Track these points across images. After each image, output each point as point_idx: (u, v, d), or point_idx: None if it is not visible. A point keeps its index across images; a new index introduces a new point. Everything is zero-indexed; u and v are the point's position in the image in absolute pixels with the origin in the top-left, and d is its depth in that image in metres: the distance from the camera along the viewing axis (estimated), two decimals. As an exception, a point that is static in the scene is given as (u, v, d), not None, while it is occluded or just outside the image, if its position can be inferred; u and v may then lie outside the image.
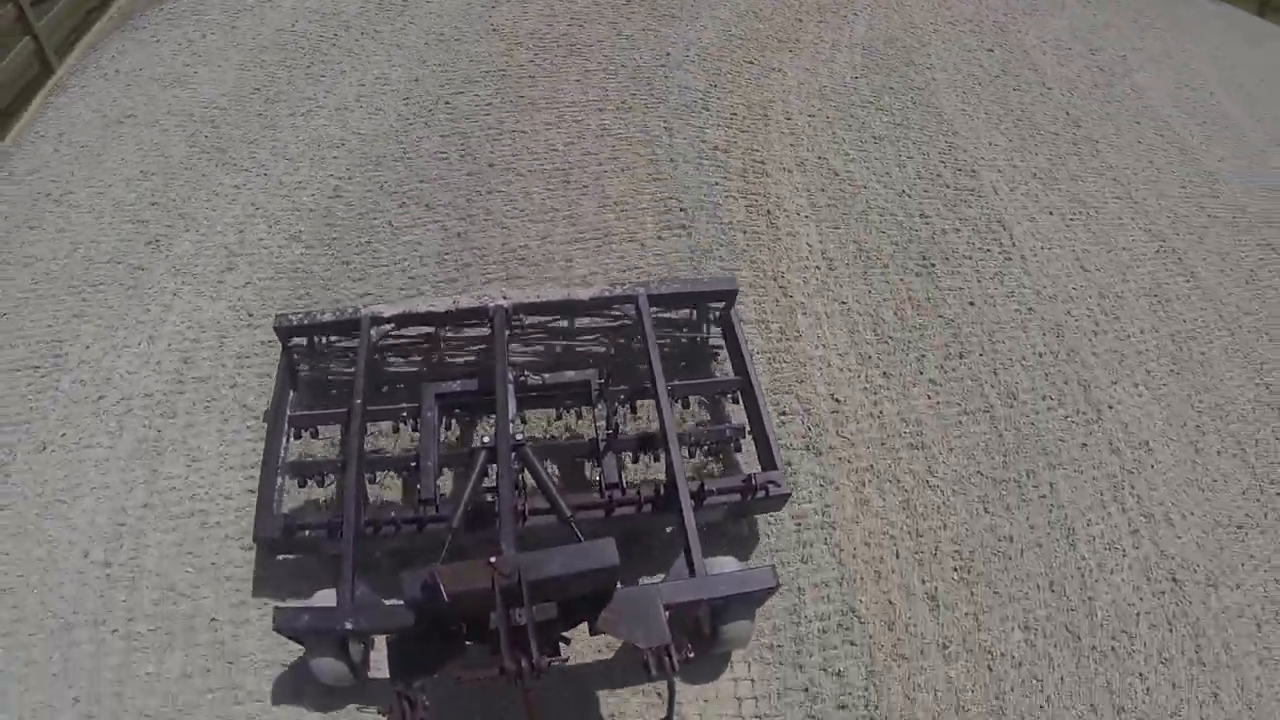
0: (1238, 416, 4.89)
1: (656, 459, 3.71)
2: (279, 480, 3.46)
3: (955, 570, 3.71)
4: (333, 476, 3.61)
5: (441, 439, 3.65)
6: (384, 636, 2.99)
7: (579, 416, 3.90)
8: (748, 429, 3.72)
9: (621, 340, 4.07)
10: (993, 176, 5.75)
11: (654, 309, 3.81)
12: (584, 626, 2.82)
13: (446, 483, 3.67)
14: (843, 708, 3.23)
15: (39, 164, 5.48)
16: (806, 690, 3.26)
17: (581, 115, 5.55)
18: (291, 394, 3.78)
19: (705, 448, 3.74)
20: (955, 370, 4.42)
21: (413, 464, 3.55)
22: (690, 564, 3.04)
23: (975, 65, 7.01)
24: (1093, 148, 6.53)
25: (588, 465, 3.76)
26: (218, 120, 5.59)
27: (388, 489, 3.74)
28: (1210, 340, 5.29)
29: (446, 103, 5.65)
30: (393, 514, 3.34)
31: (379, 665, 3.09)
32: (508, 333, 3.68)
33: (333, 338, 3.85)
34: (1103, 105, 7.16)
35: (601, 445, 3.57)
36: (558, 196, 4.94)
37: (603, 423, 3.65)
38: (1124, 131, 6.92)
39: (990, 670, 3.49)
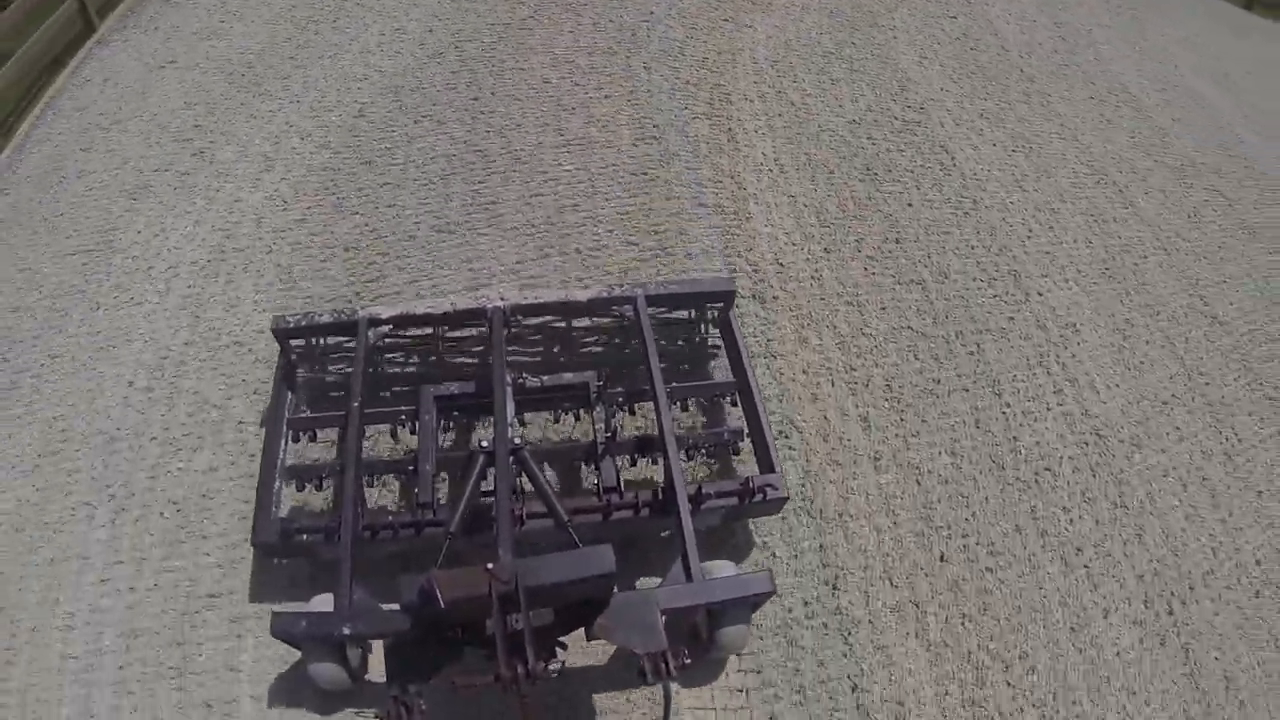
0: (1168, 317, 5.38)
1: (654, 462, 3.69)
2: (277, 484, 3.45)
3: (886, 400, 4.23)
4: (330, 480, 3.60)
5: (440, 442, 3.66)
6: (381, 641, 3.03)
7: (577, 419, 3.88)
8: (745, 431, 3.70)
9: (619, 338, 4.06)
10: (940, 114, 6.38)
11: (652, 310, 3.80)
12: (580, 631, 2.84)
13: (444, 486, 3.72)
14: (785, 517, 3.74)
15: (87, 102, 6.25)
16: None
17: (572, 58, 6.28)
18: (289, 396, 3.76)
19: (703, 450, 3.74)
20: (891, 252, 5.00)
21: (410, 467, 3.53)
22: (687, 568, 3.02)
23: (937, 29, 7.69)
24: (1043, 99, 7.13)
25: (585, 468, 3.75)
26: (253, 63, 6.37)
27: (388, 490, 3.81)
28: (1145, 256, 5.80)
29: (457, 48, 6.41)
30: (390, 518, 3.33)
31: (375, 668, 3.14)
32: (505, 334, 3.69)
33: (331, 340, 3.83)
34: (1060, 68, 7.73)
35: (600, 448, 3.54)
36: (549, 115, 5.64)
37: (601, 425, 3.64)
38: (1077, 89, 7.49)
39: (919, 484, 4.00)
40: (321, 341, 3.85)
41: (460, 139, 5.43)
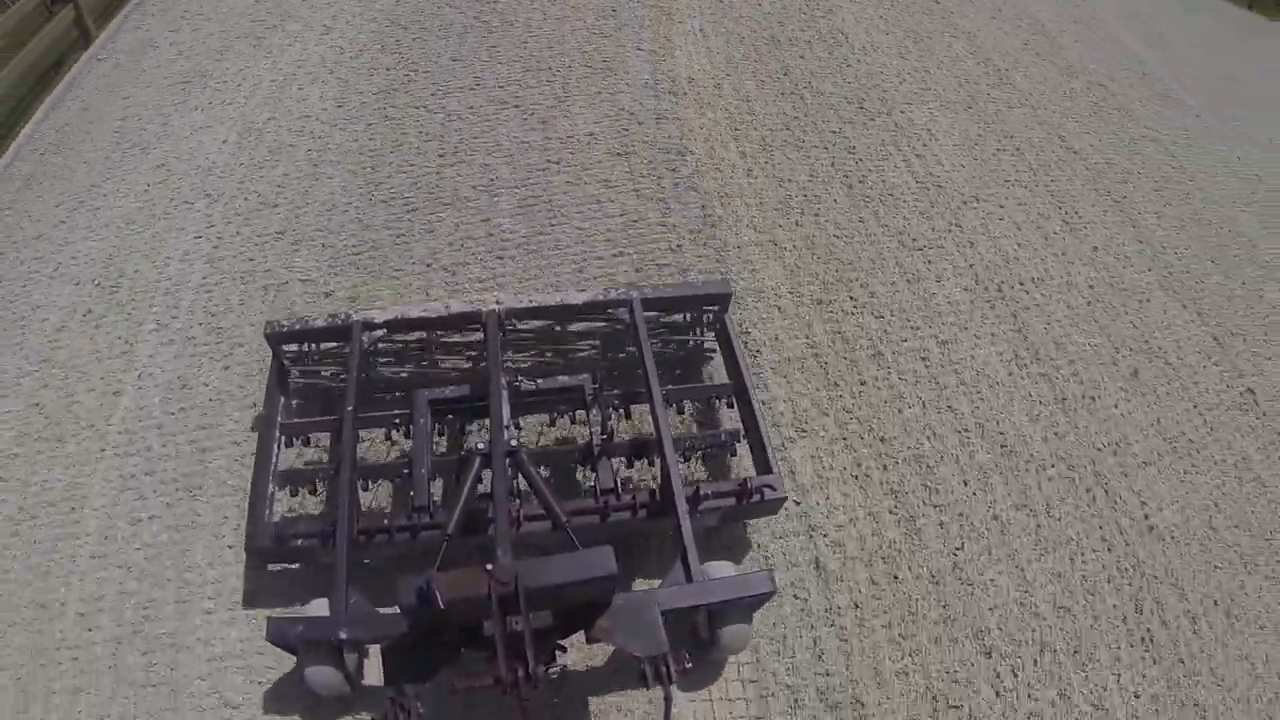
0: (1025, 141, 6.70)
1: (651, 464, 3.71)
2: (270, 488, 3.47)
3: (760, 148, 5.87)
4: (325, 484, 3.63)
5: (435, 445, 3.66)
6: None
7: (573, 421, 3.89)
8: (742, 433, 3.73)
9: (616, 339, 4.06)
10: (844, 14, 8.00)
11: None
12: (579, 634, 2.85)
13: (440, 489, 3.74)
14: (677, 183, 5.35)
15: (168, 4, 8.06)
16: (650, 168, 5.43)
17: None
18: (283, 401, 3.79)
19: (700, 452, 3.75)
20: (780, 80, 6.64)
21: (405, 471, 3.50)
22: (687, 569, 3.03)
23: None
24: (946, 14, 8.61)
25: (582, 470, 3.80)
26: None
27: (383, 494, 3.92)
28: (1010, 107, 7.16)
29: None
30: (386, 521, 3.30)
31: (371, 673, 3.22)
32: (500, 337, 3.70)
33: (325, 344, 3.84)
34: None
35: (596, 450, 3.55)
36: (537, 11, 7.51)
37: (597, 428, 3.66)
38: (983, 10, 8.79)
39: (780, 186, 5.60)
40: (316, 346, 3.85)
41: (470, 14, 7.30)
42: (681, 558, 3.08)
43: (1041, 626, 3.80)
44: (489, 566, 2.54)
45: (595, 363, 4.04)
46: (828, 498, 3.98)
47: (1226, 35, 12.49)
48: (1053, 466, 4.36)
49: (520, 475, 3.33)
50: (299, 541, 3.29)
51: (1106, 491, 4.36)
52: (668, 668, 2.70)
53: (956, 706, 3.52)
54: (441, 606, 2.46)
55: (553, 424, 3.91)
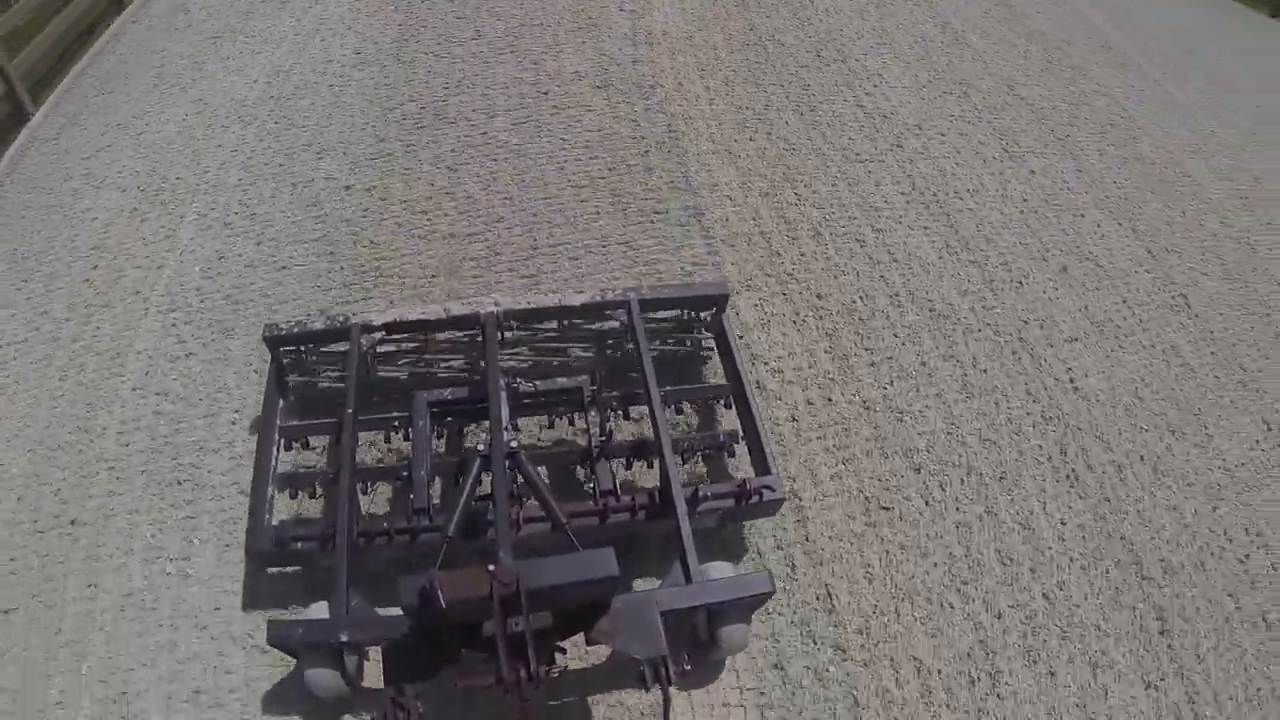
0: (973, 88, 7.25)
1: (650, 465, 3.75)
2: (270, 491, 3.49)
3: (723, 85, 6.61)
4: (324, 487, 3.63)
5: (433, 448, 3.66)
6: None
7: (571, 423, 3.91)
8: (741, 434, 3.76)
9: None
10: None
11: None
12: (579, 635, 2.86)
13: (437, 492, 3.78)
14: (648, 108, 6.06)
15: None
16: (625, 97, 6.18)
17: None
18: (281, 404, 3.80)
19: (699, 453, 3.76)
20: (745, 35, 7.41)
21: (405, 473, 3.51)
22: (686, 569, 3.05)
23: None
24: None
25: (581, 472, 3.83)
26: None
27: (382, 496, 3.97)
28: (964, 61, 7.75)
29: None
30: (385, 524, 3.31)
31: (371, 675, 3.27)
32: (499, 338, 3.71)
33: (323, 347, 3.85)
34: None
35: (595, 452, 3.58)
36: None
37: (596, 429, 3.68)
38: None
39: (739, 112, 6.34)
40: (314, 348, 3.87)
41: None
42: (681, 559, 3.11)
43: (968, 454, 4.33)
44: (491, 567, 2.57)
45: (594, 364, 4.08)
46: (769, 335, 4.60)
47: (1205, 18, 13.05)
48: (979, 331, 4.94)
49: (520, 477, 3.35)
50: (299, 545, 3.31)
51: (1032, 356, 4.91)
52: (667, 670, 2.73)
53: (887, 508, 4.07)
54: (443, 606, 2.48)
55: (551, 426, 3.94)
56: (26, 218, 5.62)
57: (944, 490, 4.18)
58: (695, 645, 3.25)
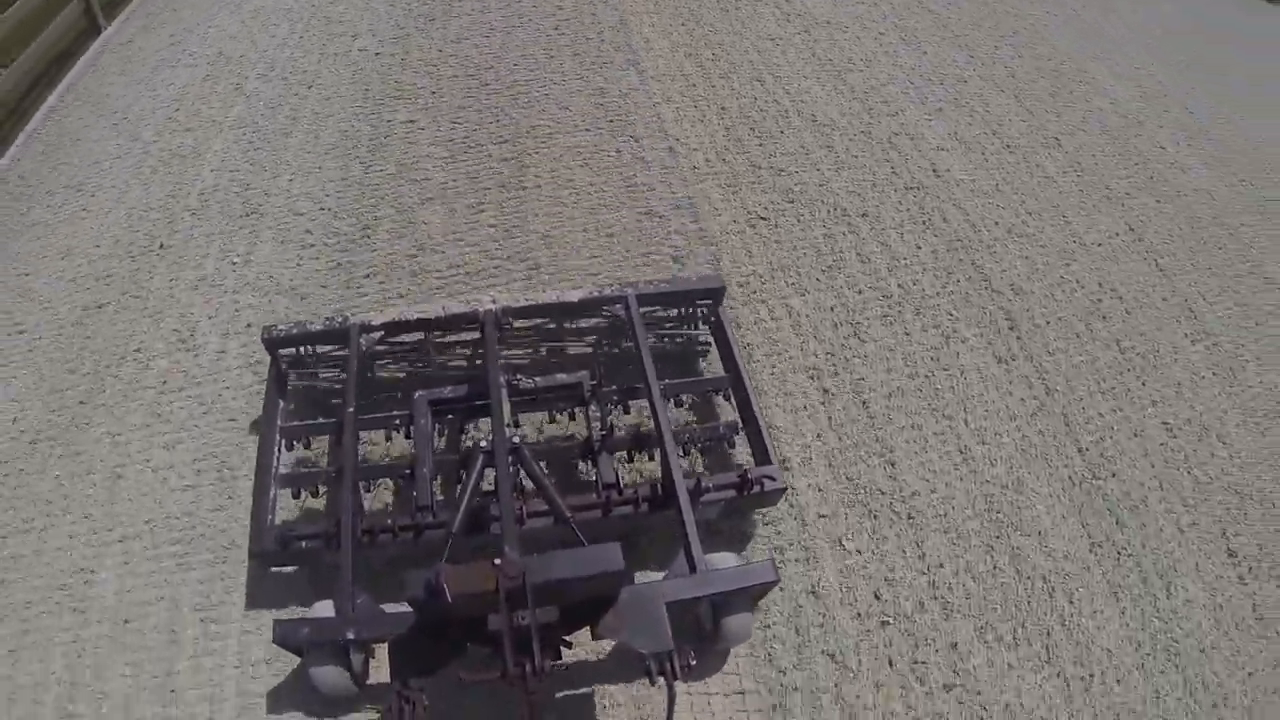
0: (907, 15, 9.06)
1: (651, 458, 3.84)
2: (272, 491, 3.54)
3: (683, 25, 8.22)
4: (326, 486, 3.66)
5: (435, 445, 3.71)
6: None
7: (572, 418, 3.96)
8: (740, 425, 3.83)
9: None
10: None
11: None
12: (585, 629, 2.89)
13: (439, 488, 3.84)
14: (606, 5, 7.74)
15: None
16: (590, 6, 7.81)
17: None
18: (281, 404, 3.85)
19: (699, 445, 3.81)
20: (725, 13, 9.16)
21: (407, 471, 3.56)
22: (690, 560, 3.10)
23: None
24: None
25: (583, 465, 3.91)
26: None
27: (385, 494, 4.05)
28: (913, 17, 9.45)
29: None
30: (389, 521, 3.35)
31: (377, 672, 3.35)
32: (498, 335, 3.77)
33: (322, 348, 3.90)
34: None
35: (596, 446, 3.64)
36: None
37: (597, 424, 3.75)
38: None
39: (677, 15, 7.92)
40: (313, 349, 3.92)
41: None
42: (685, 549, 3.16)
43: (836, 199, 5.78)
44: (497, 561, 2.61)
45: (593, 359, 4.21)
46: (681, 127, 6.22)
47: None
48: (855, 136, 6.42)
49: (523, 472, 3.42)
50: (303, 544, 3.37)
51: (900, 153, 6.25)
52: (672, 664, 2.76)
53: (765, 219, 5.57)
54: (449, 600, 2.52)
55: (552, 421, 3.99)
56: (110, 95, 7.21)
57: (813, 214, 5.64)
58: (698, 636, 3.31)
